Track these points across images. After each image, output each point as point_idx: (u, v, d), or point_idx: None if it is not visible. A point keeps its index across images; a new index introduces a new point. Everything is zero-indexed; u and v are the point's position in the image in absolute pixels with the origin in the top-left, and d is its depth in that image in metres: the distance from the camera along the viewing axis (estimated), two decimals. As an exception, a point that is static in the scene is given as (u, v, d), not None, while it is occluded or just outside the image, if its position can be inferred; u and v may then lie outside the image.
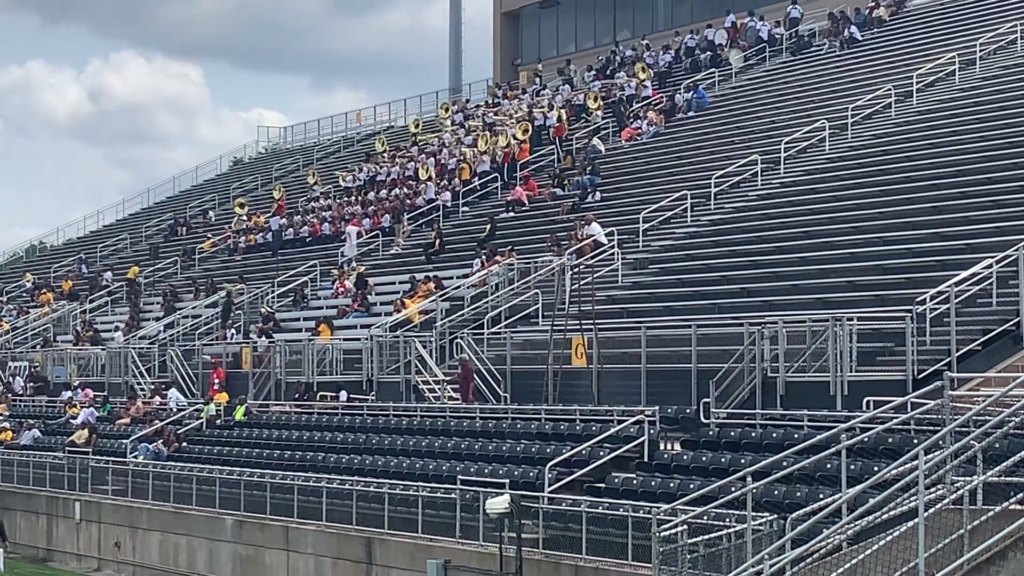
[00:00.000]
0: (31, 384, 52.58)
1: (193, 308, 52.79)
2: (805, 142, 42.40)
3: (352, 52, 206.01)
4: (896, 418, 19.13)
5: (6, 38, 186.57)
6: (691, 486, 23.59)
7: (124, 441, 40.17)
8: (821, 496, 19.79)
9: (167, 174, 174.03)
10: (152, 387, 45.60)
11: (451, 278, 43.15)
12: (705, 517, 18.95)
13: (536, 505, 25.46)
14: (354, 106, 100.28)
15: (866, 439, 17.86)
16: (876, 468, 18.63)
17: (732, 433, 26.16)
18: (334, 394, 38.76)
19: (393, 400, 36.43)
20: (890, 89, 43.38)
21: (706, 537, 18.57)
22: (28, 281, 69.19)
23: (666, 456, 26.79)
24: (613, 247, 39.52)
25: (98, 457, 39.84)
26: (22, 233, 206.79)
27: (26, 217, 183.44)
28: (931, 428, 19.26)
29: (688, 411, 28.47)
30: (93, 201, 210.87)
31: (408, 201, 54.07)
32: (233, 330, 47.92)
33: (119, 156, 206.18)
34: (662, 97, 54.21)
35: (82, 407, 45.80)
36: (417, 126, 66.88)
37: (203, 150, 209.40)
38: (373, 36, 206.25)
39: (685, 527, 18.29)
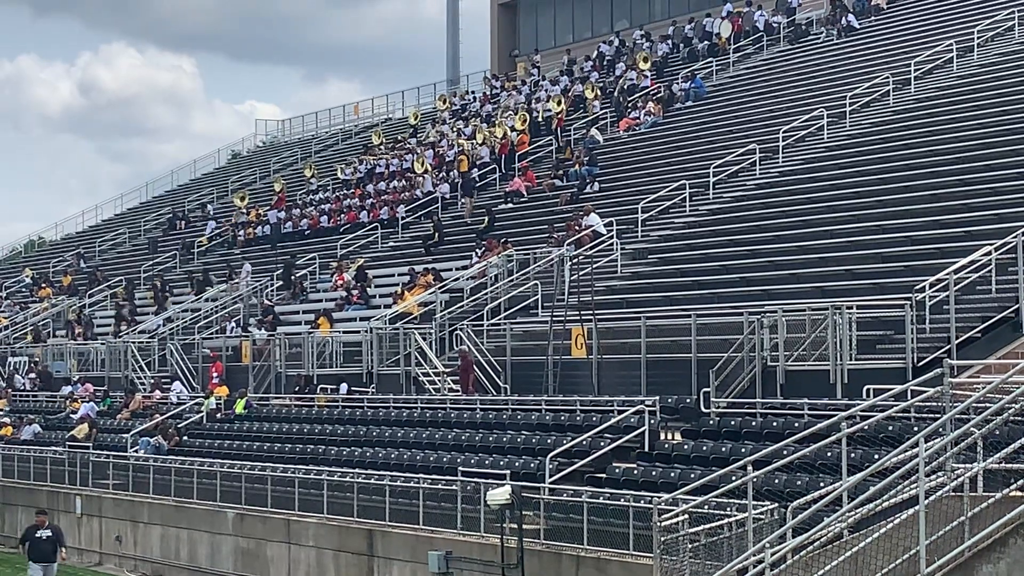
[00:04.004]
0: (34, 379, 52.51)
1: (193, 301, 52.79)
2: (803, 131, 42.40)
3: (346, 44, 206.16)
4: (896, 406, 19.10)
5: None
6: (692, 475, 23.57)
7: (124, 435, 40.19)
8: (822, 484, 19.76)
9: (162, 166, 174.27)
10: (152, 381, 45.57)
11: (450, 270, 43.14)
12: (706, 506, 18.92)
13: (537, 496, 25.42)
14: (348, 98, 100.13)
15: (866, 427, 17.87)
16: (876, 456, 18.61)
17: (732, 422, 26.15)
18: (333, 387, 38.76)
19: (393, 392, 36.42)
20: (888, 77, 43.36)
21: (707, 526, 18.56)
22: (27, 276, 69.19)
23: (667, 446, 26.79)
24: (612, 237, 39.54)
25: (99, 451, 39.81)
26: (19, 228, 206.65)
27: (23, 212, 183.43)
28: (931, 416, 19.26)
29: (688, 401, 28.45)
30: (89, 194, 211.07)
31: (407, 193, 54.10)
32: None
33: (113, 149, 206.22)
34: (660, 87, 54.17)
35: (82, 402, 45.83)
36: (416, 118, 66.88)
37: (197, 143, 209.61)
38: (368, 27, 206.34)
39: (686, 516, 18.28)
